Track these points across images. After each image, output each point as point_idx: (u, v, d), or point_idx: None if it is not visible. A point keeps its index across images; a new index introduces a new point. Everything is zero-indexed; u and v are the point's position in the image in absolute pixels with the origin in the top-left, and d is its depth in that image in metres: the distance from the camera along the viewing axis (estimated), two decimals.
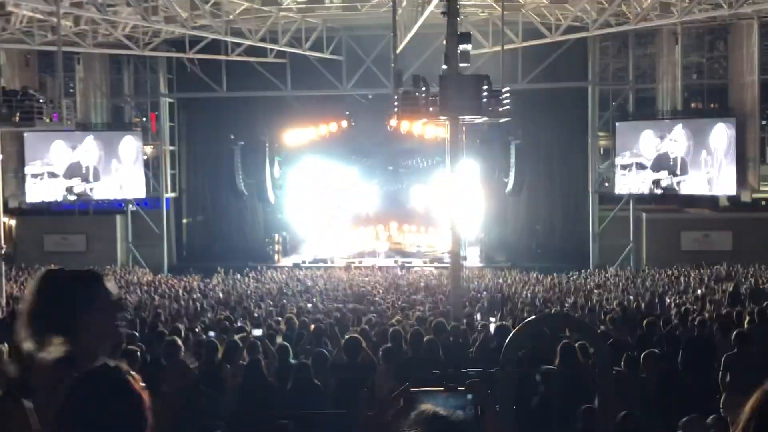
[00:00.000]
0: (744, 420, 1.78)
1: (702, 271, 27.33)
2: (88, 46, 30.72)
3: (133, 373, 2.48)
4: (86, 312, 2.89)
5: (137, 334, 12.02)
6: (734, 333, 10.50)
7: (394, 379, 7.73)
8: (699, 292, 21.39)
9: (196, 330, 13.97)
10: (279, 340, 11.97)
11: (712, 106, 34.07)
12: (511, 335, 4.29)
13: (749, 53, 31.41)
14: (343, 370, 8.48)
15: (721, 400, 9.60)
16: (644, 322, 12.69)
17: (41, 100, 23.15)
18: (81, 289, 2.94)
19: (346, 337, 9.45)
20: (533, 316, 6.61)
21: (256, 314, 17.97)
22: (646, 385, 8.37)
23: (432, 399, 2.80)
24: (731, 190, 31.28)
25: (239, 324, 14.47)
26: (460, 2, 21.24)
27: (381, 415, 2.71)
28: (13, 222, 34.86)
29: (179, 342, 9.56)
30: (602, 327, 13.31)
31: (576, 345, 8.22)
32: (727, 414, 7.56)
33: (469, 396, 2.97)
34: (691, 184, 31.90)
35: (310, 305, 20.59)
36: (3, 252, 22.58)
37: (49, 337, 2.84)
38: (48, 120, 23.67)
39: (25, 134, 31.71)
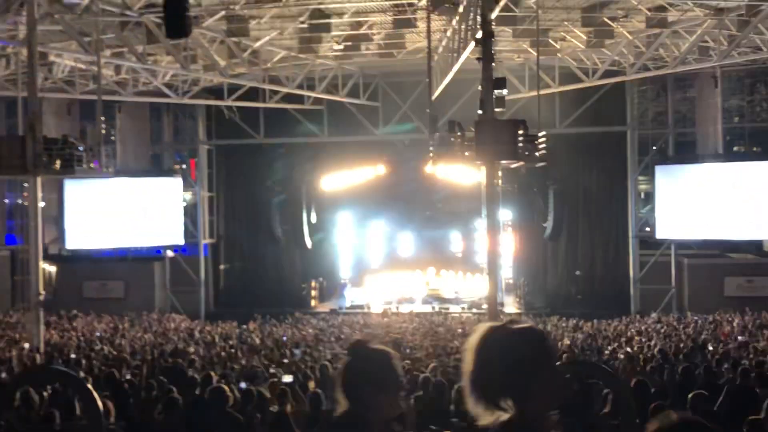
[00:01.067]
0: None
1: (746, 317, 26.71)
2: (128, 94, 31.21)
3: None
4: (542, 371, 2.80)
5: (164, 380, 11.92)
6: None
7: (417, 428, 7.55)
8: (740, 338, 20.87)
9: (230, 377, 13.88)
10: (311, 386, 11.82)
11: (754, 149, 33.60)
12: None
13: None
14: None
15: None
16: (681, 369, 12.35)
17: (81, 148, 23.45)
18: (529, 347, 2.82)
19: None
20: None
21: (286, 361, 17.83)
22: None
23: None
24: None
25: (272, 371, 14.36)
26: (496, 48, 21.20)
27: None
28: (53, 269, 35.22)
29: (227, 391, 9.42)
30: (640, 376, 12.94)
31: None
32: None
33: None
34: (732, 229, 31.30)
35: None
36: (41, 299, 22.71)
37: (499, 401, 2.72)
38: (88, 167, 23.94)
39: (65, 182, 32.20)
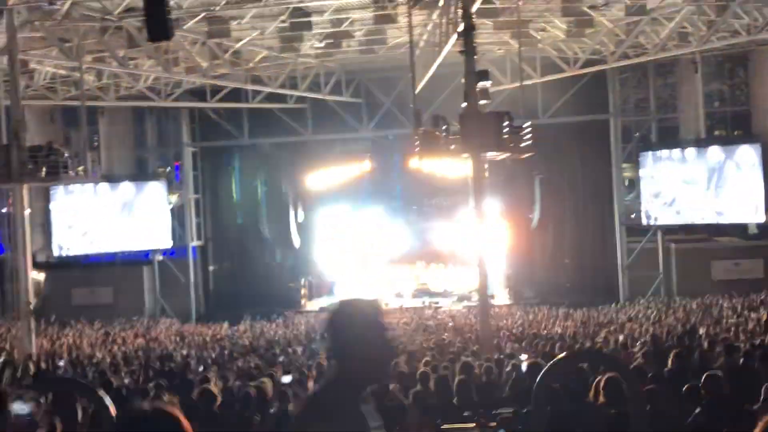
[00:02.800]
0: None
1: (734, 300, 26.91)
2: (110, 99, 31.10)
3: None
4: None
5: (164, 383, 11.95)
6: None
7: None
8: (731, 321, 21.04)
9: (227, 378, 13.89)
10: (311, 385, 11.85)
11: (735, 132, 33.82)
12: (541, 374, 4.17)
13: None
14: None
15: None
16: (673, 354, 12.43)
17: (66, 155, 23.38)
18: None
19: None
20: (563, 354, 6.46)
21: (281, 359, 17.87)
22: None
23: None
24: (760, 217, 30.87)
25: (268, 372, 14.36)
26: (477, 41, 21.25)
27: None
28: (41, 276, 35.05)
29: (215, 390, 9.45)
30: (635, 362, 13.02)
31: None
32: None
33: (501, 431, 2.87)
34: (718, 213, 31.48)
35: None
36: (31, 307, 22.63)
37: None
38: (73, 174, 23.88)
39: (52, 189, 32.08)
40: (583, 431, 6.59)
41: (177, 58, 28.06)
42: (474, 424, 3.28)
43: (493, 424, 3.07)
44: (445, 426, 3.08)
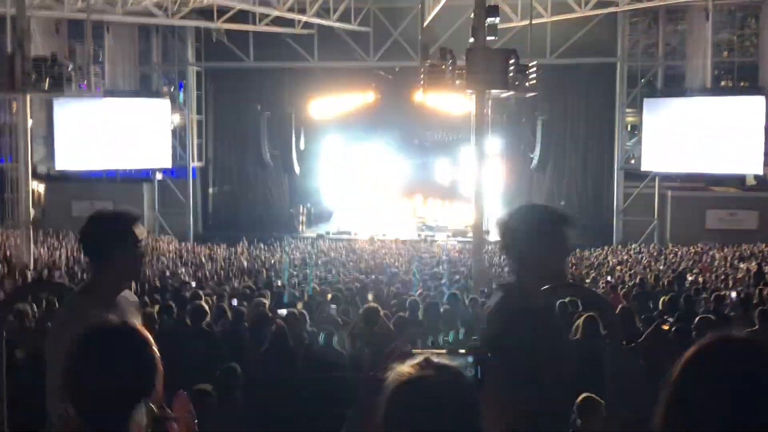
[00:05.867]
0: (677, 368, 1.88)
1: (726, 249, 27.20)
2: (117, 13, 30.85)
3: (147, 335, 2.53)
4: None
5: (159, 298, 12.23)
6: (757, 311, 10.44)
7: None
8: (720, 270, 21.34)
9: (223, 297, 14.19)
10: (300, 307, 12.13)
11: (741, 84, 33.68)
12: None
13: None
14: (360, 339, 8.60)
15: None
16: (662, 300, 12.71)
17: (70, 68, 23.39)
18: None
19: (364, 306, 9.57)
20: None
21: (279, 283, 18.18)
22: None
23: None
24: (758, 169, 31.00)
25: (261, 293, 14.65)
26: None
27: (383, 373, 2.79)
28: (41, 187, 35.27)
29: (206, 307, 9.73)
30: (623, 303, 13.30)
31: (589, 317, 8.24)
32: None
33: (470, 359, 3.03)
34: (717, 163, 31.59)
35: (330, 276, 20.76)
36: (34, 217, 22.89)
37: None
38: (77, 87, 23.92)
39: (54, 101, 32.05)
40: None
41: None
42: (444, 350, 3.46)
43: (463, 351, 3.24)
44: (416, 350, 3.25)
